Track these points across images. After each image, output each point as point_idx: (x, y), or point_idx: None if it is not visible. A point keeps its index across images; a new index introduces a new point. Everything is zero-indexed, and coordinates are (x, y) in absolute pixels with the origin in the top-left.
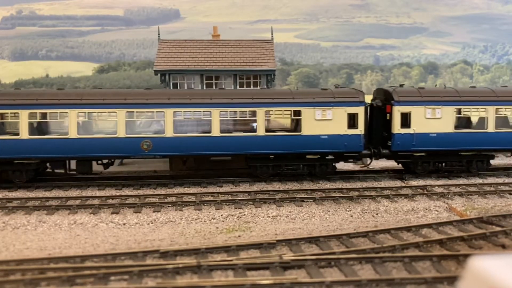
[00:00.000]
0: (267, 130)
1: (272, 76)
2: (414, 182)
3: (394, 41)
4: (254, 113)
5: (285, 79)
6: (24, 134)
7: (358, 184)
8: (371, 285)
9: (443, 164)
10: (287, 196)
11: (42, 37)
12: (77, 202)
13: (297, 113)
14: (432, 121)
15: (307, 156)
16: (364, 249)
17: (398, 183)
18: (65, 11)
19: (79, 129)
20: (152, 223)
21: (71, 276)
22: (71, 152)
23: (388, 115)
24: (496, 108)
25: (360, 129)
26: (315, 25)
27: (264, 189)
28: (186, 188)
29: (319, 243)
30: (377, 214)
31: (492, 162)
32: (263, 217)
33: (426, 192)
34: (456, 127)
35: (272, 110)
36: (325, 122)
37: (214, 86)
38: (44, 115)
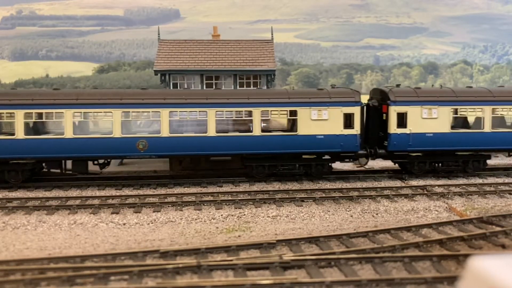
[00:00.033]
0: (263, 130)
1: (272, 76)
2: (414, 182)
3: (394, 41)
4: (250, 113)
5: (285, 79)
6: (20, 134)
7: (358, 184)
8: (371, 285)
9: (440, 164)
10: (287, 196)
11: (42, 37)
12: (77, 202)
13: (293, 113)
14: (429, 121)
15: (303, 156)
16: (364, 249)
17: (398, 183)
18: (65, 11)
19: (75, 129)
20: (152, 223)
21: (71, 276)
22: (67, 152)
23: (384, 115)
24: (493, 108)
25: (356, 129)
26: (315, 25)
27: (264, 189)
28: (186, 188)
29: (319, 243)
30: (377, 214)
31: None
32: (263, 217)
33: (426, 192)
34: (452, 127)
35: (268, 110)
36: (321, 122)
37: (214, 86)
38: (40, 115)
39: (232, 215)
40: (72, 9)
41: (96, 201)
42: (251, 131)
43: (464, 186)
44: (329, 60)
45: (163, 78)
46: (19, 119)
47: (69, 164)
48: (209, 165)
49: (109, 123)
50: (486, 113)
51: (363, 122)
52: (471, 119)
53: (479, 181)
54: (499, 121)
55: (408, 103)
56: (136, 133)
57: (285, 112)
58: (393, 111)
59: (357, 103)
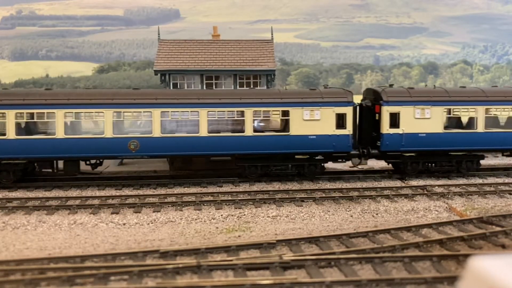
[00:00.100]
0: (255, 130)
1: (272, 76)
2: (414, 182)
3: (394, 41)
4: (242, 113)
5: (285, 79)
6: (11, 134)
7: (358, 184)
8: (371, 285)
9: (433, 164)
10: (287, 196)
11: (42, 37)
12: (77, 202)
13: (286, 113)
14: (422, 121)
15: (296, 157)
16: (364, 249)
17: (398, 183)
18: (65, 11)
19: (67, 129)
20: (152, 223)
21: (71, 276)
22: (58, 152)
23: (377, 115)
24: (486, 108)
25: (349, 129)
26: (315, 25)
27: (264, 189)
28: (186, 188)
29: (319, 243)
30: (377, 214)
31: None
32: (263, 217)
33: (426, 192)
34: (445, 127)
35: (260, 110)
36: (313, 122)
37: (214, 86)
38: (31, 115)
39: (232, 215)
40: (72, 9)
41: (96, 201)
42: (243, 131)
43: (464, 186)
44: (329, 60)
45: (163, 78)
46: (10, 119)
47: (61, 164)
48: (203, 166)
49: (101, 123)
50: (479, 113)
51: (355, 122)
52: (464, 119)
53: (479, 181)
54: (492, 121)
55: (401, 103)
56: (127, 133)
57: (278, 112)
58: (386, 111)
59: (350, 103)
